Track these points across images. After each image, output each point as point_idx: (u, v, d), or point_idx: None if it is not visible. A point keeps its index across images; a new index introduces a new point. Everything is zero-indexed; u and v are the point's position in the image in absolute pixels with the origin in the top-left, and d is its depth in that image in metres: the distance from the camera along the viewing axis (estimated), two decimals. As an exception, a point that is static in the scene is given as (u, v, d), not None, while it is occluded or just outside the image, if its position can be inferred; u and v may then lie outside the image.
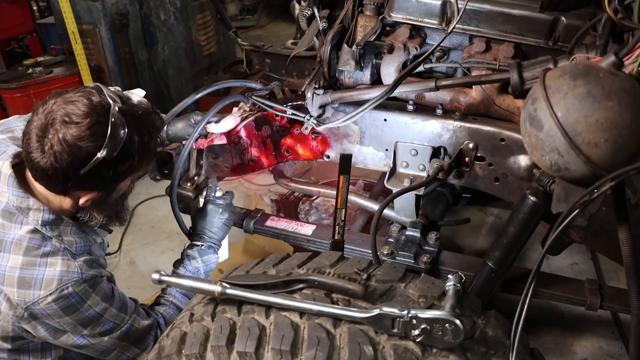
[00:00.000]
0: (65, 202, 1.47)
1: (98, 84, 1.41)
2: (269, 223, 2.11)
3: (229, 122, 1.91)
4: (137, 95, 2.13)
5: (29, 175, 1.43)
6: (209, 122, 1.91)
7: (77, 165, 1.31)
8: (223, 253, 1.99)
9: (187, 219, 1.98)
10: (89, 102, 1.32)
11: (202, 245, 1.87)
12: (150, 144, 1.44)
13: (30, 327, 1.44)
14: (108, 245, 1.83)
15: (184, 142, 1.97)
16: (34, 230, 1.43)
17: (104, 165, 1.33)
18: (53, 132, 1.29)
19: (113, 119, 1.30)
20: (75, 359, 1.64)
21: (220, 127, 1.91)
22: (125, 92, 2.13)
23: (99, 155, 1.29)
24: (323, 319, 1.10)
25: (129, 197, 1.71)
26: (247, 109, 1.94)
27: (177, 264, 1.84)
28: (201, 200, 1.96)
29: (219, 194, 1.96)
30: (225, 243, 1.98)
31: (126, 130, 1.34)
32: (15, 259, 1.39)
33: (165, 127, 1.93)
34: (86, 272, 1.44)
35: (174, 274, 1.76)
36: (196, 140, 1.90)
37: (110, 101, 1.34)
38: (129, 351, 1.59)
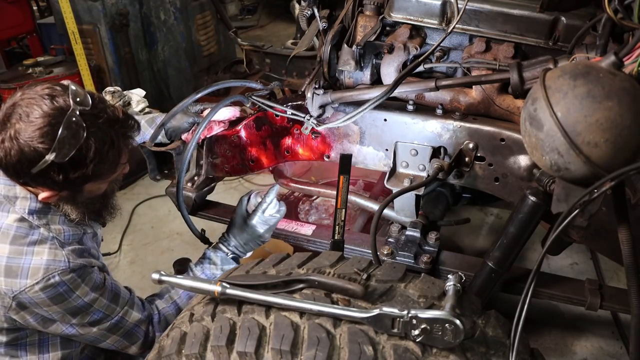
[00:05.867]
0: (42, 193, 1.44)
1: (70, 82, 1.36)
2: (269, 223, 2.10)
3: (227, 111, 1.92)
4: (137, 95, 2.13)
5: None
6: (205, 109, 1.88)
7: (26, 163, 1.29)
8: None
9: (179, 220, 1.88)
10: (51, 102, 1.29)
11: (228, 253, 1.79)
12: (109, 153, 1.37)
13: (19, 317, 1.42)
14: (102, 240, 1.79)
15: (184, 137, 1.95)
16: (21, 219, 1.42)
17: (53, 169, 1.30)
18: (9, 126, 1.28)
19: (67, 123, 1.27)
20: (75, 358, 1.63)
21: (217, 115, 1.90)
22: (125, 92, 2.13)
23: (47, 157, 1.27)
24: (323, 319, 1.10)
25: (129, 198, 1.69)
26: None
27: (197, 263, 1.77)
28: (252, 203, 1.82)
29: (273, 205, 1.79)
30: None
31: (84, 135, 1.29)
32: (3, 247, 1.38)
33: (162, 130, 1.92)
34: (74, 261, 1.42)
35: (179, 274, 1.71)
36: (199, 139, 1.87)
37: (72, 103, 1.29)
38: (118, 343, 1.57)
